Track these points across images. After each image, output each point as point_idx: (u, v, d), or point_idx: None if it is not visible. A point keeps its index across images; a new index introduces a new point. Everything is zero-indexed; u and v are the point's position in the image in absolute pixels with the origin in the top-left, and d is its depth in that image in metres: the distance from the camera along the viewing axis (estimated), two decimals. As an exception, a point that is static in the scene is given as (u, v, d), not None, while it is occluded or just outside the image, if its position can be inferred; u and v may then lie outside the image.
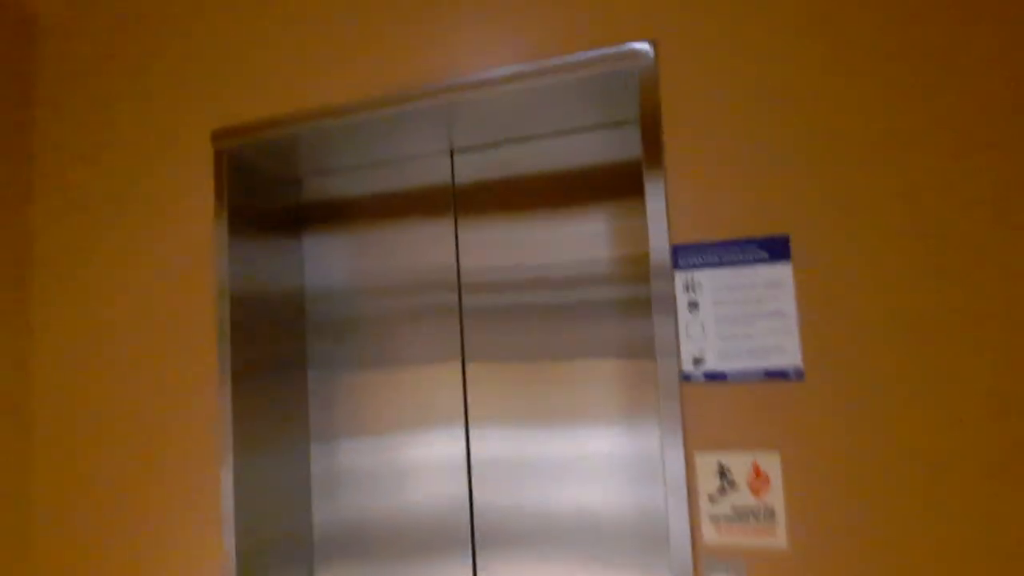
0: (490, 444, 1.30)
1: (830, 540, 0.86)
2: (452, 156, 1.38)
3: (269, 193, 1.43)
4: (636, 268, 1.19)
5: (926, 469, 0.83)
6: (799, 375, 0.88)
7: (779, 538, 0.87)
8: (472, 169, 1.36)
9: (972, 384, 0.82)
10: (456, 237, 1.36)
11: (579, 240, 1.24)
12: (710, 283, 0.92)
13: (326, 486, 1.47)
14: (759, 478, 0.88)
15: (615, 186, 1.22)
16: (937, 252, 0.84)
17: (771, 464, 0.88)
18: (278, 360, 1.41)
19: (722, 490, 0.90)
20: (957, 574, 0.81)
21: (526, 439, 1.27)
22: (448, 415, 1.34)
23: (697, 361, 0.92)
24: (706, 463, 0.91)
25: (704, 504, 0.91)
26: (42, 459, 1.43)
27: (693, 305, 0.93)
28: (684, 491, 0.91)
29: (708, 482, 0.91)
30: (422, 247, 1.39)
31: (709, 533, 0.91)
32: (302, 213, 1.52)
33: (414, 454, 1.38)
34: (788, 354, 0.88)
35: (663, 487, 1.12)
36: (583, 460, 1.22)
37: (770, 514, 0.88)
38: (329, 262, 1.47)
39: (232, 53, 1.30)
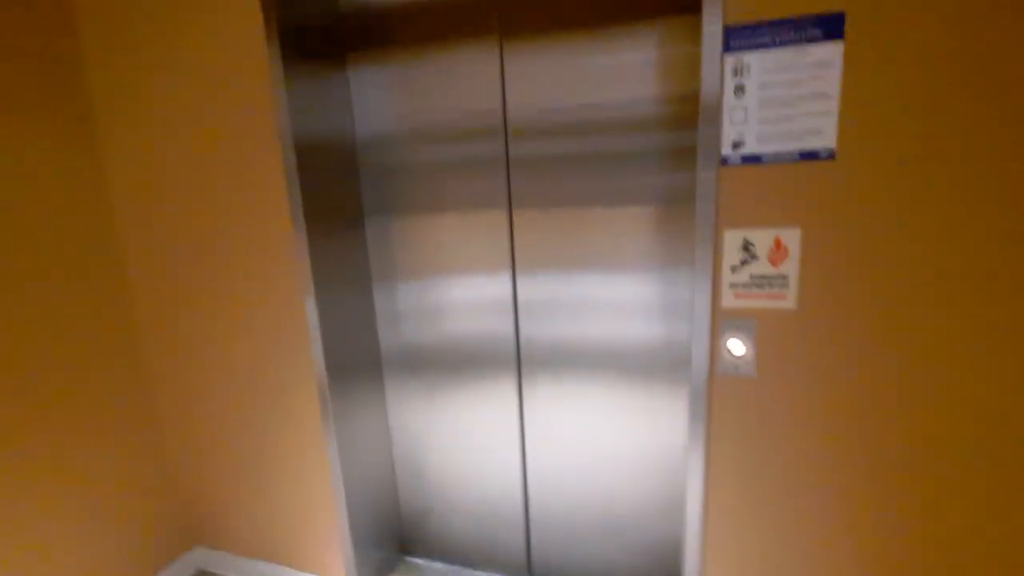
0: (535, 286, 1.41)
1: (835, 304, 1.00)
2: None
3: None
4: (683, 108, 1.15)
5: (940, 248, 0.93)
6: (831, 155, 0.94)
7: (789, 301, 1.01)
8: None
9: (1003, 164, 0.88)
10: (502, 69, 1.30)
11: (626, 73, 1.19)
12: (759, 65, 0.94)
13: (390, 319, 1.61)
14: (779, 250, 1.00)
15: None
16: (987, 38, 0.85)
17: (791, 238, 0.99)
18: (337, 205, 1.46)
19: (744, 262, 1.02)
20: (951, 343, 0.96)
21: (567, 282, 1.37)
22: (496, 260, 1.43)
23: (736, 145, 0.97)
24: (733, 238, 1.02)
25: (726, 275, 1.04)
26: (142, 308, 1.54)
27: (739, 89, 0.95)
28: (712, 264, 1.03)
29: (732, 255, 1.02)
30: (467, 85, 1.33)
31: (728, 299, 1.05)
32: (343, 33, 1.43)
33: (466, 294, 1.50)
34: (824, 136, 0.93)
35: (690, 318, 1.25)
36: (620, 301, 1.33)
37: (783, 281, 1.01)
38: (375, 104, 1.43)
39: None
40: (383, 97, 1.43)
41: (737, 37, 0.94)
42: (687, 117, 1.16)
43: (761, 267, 1.01)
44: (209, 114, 1.35)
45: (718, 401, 1.12)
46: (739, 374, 1.08)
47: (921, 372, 0.98)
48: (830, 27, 0.90)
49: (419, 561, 1.80)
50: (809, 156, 0.95)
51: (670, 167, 1.20)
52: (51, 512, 1.40)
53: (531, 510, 1.63)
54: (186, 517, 1.80)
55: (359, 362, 1.58)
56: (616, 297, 1.34)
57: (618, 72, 1.20)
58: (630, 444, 1.45)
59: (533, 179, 1.34)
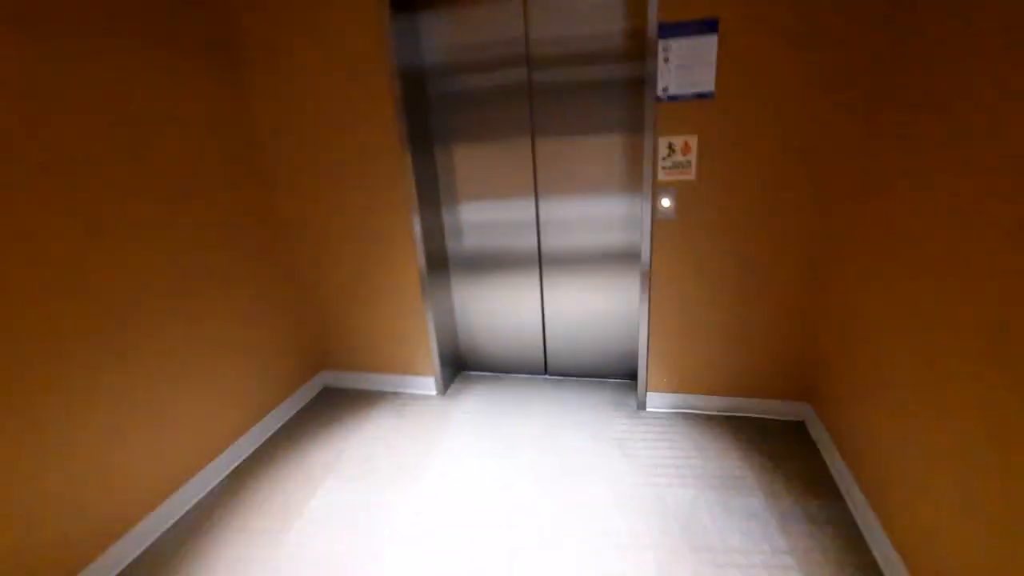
0: (550, 208, 2.29)
1: (714, 177, 1.89)
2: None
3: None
4: (636, 44, 1.98)
5: (773, 145, 1.81)
6: (712, 95, 1.80)
7: (692, 175, 1.90)
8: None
9: (799, 92, 1.75)
10: (525, 7, 2.05)
11: (606, 13, 1.99)
12: (675, 45, 1.77)
13: (452, 231, 2.47)
14: (687, 148, 1.87)
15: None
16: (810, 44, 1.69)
17: (692, 140, 1.86)
18: (422, 132, 2.24)
19: (669, 155, 1.89)
20: (783, 203, 1.86)
21: (569, 205, 2.24)
22: (524, 186, 2.29)
23: (664, 89, 1.82)
24: (663, 142, 1.89)
25: (659, 162, 1.91)
26: (282, 202, 2.34)
27: (666, 59, 1.79)
28: (652, 157, 1.91)
29: (662, 151, 1.90)
30: (500, 18, 2.08)
31: (660, 176, 1.93)
32: None
33: (504, 215, 2.36)
34: (708, 84, 1.79)
35: (640, 225, 2.13)
36: (602, 217, 2.22)
37: (689, 164, 1.89)
38: (437, 40, 2.19)
39: None
40: (441, 34, 2.15)
41: (664, 30, 1.77)
42: (639, 51, 1.98)
43: (677, 157, 1.89)
44: (335, 61, 2.10)
45: (656, 237, 2.02)
46: (667, 218, 1.98)
47: (761, 217, 1.89)
48: (711, 26, 1.74)
49: (472, 373, 2.76)
50: (701, 96, 1.81)
51: (629, 100, 2.05)
52: (224, 348, 2.27)
53: (547, 340, 2.58)
54: (315, 350, 2.70)
55: (437, 259, 2.45)
56: (599, 214, 2.23)
57: (601, 13, 2.01)
58: (607, 301, 2.38)
59: (550, 105, 2.16)
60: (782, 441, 2.06)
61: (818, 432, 2.02)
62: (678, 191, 1.95)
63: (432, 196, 2.37)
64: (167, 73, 1.82)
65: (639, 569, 1.53)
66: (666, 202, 1.96)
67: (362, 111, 2.14)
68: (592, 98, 2.09)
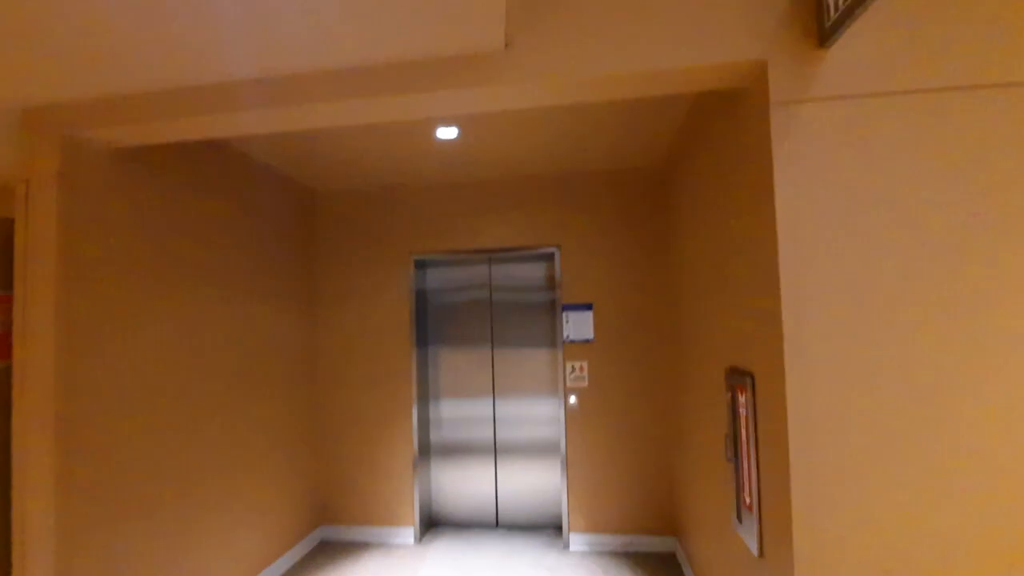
0: (504, 406, 3.66)
1: (600, 386, 3.30)
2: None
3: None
4: (552, 289, 3.58)
5: (640, 358, 3.30)
6: (592, 340, 3.33)
7: (586, 384, 3.30)
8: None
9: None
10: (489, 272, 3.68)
11: (534, 275, 3.61)
12: (572, 315, 3.35)
13: (434, 424, 3.72)
14: (583, 369, 3.31)
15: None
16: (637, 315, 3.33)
17: (585, 364, 3.31)
18: (421, 337, 3.65)
19: (572, 372, 3.32)
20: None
21: (519, 404, 3.62)
22: (485, 388, 3.67)
23: (567, 336, 3.34)
24: (570, 364, 3.32)
25: (568, 376, 3.32)
26: (323, 398, 3.52)
27: (566, 320, 3.35)
28: (562, 374, 3.31)
29: (569, 370, 3.32)
30: (472, 273, 3.69)
31: (569, 383, 3.32)
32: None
33: (469, 411, 3.68)
34: (590, 333, 3.33)
35: (560, 408, 3.52)
36: (537, 416, 3.60)
37: (584, 377, 3.31)
38: (436, 281, 3.73)
39: (422, 215, 3.58)
40: (433, 271, 3.72)
41: (566, 306, 3.37)
42: (553, 288, 3.55)
43: (578, 374, 3.31)
44: (376, 311, 3.53)
45: (569, 423, 3.30)
46: (574, 411, 3.30)
47: (632, 402, 3.26)
48: (590, 305, 3.35)
49: (441, 527, 3.60)
50: (587, 340, 3.33)
51: (548, 320, 3.55)
52: (252, 504, 3.15)
53: (499, 502, 3.59)
54: (317, 505, 3.49)
55: (423, 445, 3.60)
56: (535, 413, 3.58)
57: (530, 275, 3.61)
58: (542, 476, 3.55)
59: (503, 320, 3.62)
60: (660, 565, 3.04)
61: (680, 557, 3.04)
62: (579, 393, 3.31)
63: (425, 394, 3.60)
64: (282, 312, 3.15)
65: (561, 634, 2.39)
66: (572, 399, 3.31)
67: (391, 317, 3.51)
68: (529, 315, 3.59)
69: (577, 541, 3.28)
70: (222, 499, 2.56)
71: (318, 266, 3.61)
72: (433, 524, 3.63)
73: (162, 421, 2.22)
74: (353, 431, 3.50)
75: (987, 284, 1.42)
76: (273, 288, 3.04)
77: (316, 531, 3.45)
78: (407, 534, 3.40)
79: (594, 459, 3.29)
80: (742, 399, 1.85)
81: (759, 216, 1.62)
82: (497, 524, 3.58)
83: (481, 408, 3.60)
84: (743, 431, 1.83)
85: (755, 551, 1.70)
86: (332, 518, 3.51)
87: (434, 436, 3.65)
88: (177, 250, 2.35)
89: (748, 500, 1.77)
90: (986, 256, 1.42)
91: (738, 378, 1.89)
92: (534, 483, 3.54)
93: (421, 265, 3.66)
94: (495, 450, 3.58)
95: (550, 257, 3.57)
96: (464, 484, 3.61)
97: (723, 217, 2.02)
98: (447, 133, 2.66)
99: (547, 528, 3.54)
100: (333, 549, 3.34)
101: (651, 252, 3.32)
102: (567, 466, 3.30)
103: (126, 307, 2.08)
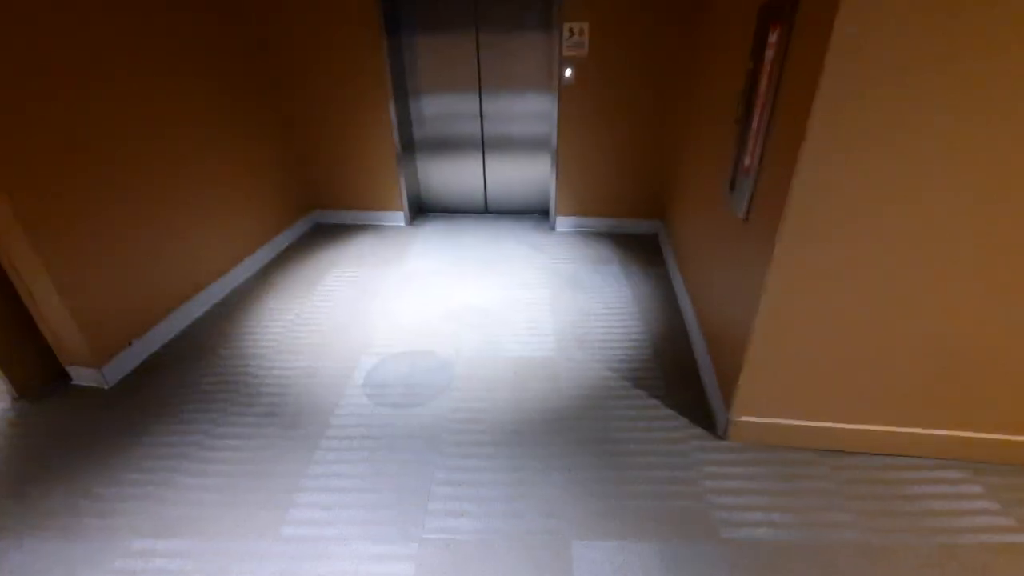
0: (491, 102, 3.04)
1: (600, 52, 2.74)
2: None
3: None
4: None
5: (633, 40, 2.67)
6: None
7: (586, 51, 2.75)
8: None
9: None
10: None
11: None
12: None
13: (418, 119, 3.20)
14: (583, 32, 2.70)
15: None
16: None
17: (586, 27, 2.69)
18: (392, 25, 2.89)
19: (571, 37, 2.72)
20: (651, 73, 2.74)
21: (508, 100, 3.00)
22: (469, 82, 3.02)
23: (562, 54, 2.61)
24: (568, 26, 2.70)
25: (564, 40, 2.74)
26: (292, 93, 2.95)
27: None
28: (559, 38, 2.72)
29: (566, 33, 2.72)
30: None
31: (564, 51, 2.76)
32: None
33: (451, 106, 3.11)
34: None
35: (550, 61, 2.94)
36: (530, 111, 2.99)
37: (584, 43, 2.73)
38: None
39: None
40: None
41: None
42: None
43: (576, 38, 2.72)
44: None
45: (561, 99, 2.89)
46: (569, 84, 2.84)
47: (632, 89, 2.79)
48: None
49: (431, 213, 3.66)
50: None
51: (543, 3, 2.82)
52: (235, 192, 3.00)
53: (488, 191, 3.47)
54: (307, 194, 3.46)
55: (407, 142, 3.20)
56: (526, 108, 3.04)
57: (525, -52, 2.74)
58: (530, 169, 3.27)
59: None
60: (640, 243, 3.13)
61: (663, 237, 3.10)
62: (576, 64, 2.79)
63: (402, 88, 3.10)
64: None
65: (540, 295, 2.58)
66: (568, 72, 2.81)
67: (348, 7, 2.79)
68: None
69: (563, 223, 3.31)
70: (209, 181, 2.46)
71: None
72: (424, 211, 3.66)
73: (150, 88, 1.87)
74: (330, 132, 3.15)
75: None
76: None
77: (310, 215, 3.51)
78: (398, 218, 3.45)
79: (586, 153, 3.02)
80: (772, 37, 1.42)
81: None
82: (486, 210, 3.60)
83: (466, 104, 3.16)
84: (763, 80, 1.46)
85: (741, 214, 1.56)
86: (325, 204, 3.52)
87: (417, 133, 3.33)
88: None
89: (748, 162, 1.54)
90: None
91: (775, 11, 1.41)
92: (523, 175, 3.38)
93: None
94: (483, 145, 3.30)
95: None
96: (452, 176, 3.46)
97: None
98: None
99: (535, 213, 3.56)
100: (327, 230, 3.45)
101: None
102: (557, 159, 3.06)
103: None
